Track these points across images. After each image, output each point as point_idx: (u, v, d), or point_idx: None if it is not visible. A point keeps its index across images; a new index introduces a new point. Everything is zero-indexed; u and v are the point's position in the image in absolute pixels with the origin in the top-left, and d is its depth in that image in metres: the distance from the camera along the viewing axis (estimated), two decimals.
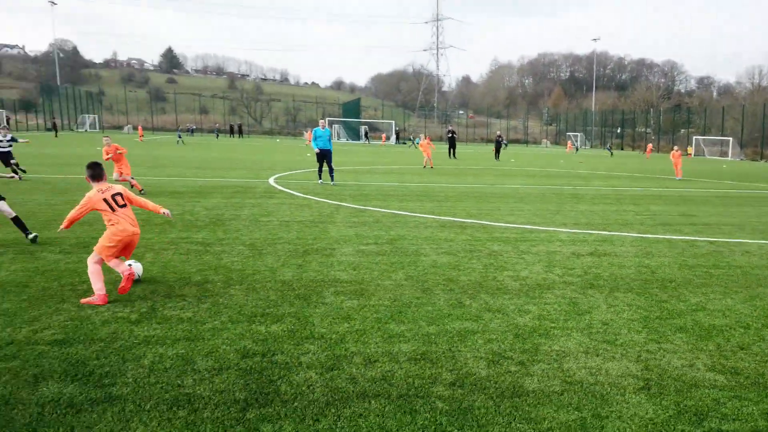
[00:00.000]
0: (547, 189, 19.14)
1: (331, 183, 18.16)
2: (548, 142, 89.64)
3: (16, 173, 16.73)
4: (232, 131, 79.41)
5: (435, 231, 10.31)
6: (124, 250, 6.18)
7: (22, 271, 6.78)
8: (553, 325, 5.49)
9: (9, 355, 4.39)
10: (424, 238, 9.55)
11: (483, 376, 4.28)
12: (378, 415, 3.65)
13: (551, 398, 3.98)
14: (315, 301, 5.96)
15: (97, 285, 5.73)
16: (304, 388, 3.98)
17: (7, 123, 61.27)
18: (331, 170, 18.37)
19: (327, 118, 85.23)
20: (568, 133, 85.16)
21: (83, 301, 5.68)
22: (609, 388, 4.16)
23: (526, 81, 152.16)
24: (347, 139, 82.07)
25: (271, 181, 18.87)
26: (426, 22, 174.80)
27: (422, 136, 30.29)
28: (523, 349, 4.86)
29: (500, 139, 39.63)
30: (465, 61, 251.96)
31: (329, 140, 18.37)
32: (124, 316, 5.34)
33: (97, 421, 3.48)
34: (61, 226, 6.20)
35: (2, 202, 8.02)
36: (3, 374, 4.07)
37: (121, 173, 14.75)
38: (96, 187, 6.13)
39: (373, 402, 3.82)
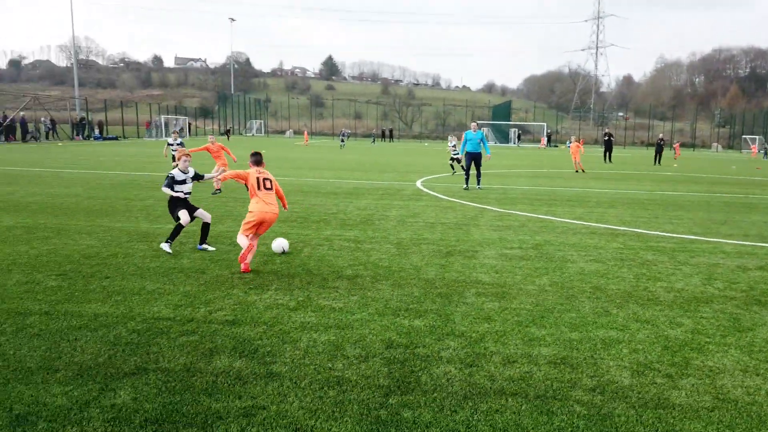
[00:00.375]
0: (713, 197, 17.64)
1: (477, 186, 18.07)
2: (719, 145, 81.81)
3: None
4: (383, 135, 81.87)
5: (584, 237, 10.02)
6: (260, 226, 7.43)
7: (200, 259, 7.70)
8: (708, 340, 5.18)
9: (190, 331, 5.07)
10: (571, 245, 9.33)
11: (626, 385, 4.19)
12: (514, 413, 3.74)
13: (700, 414, 3.81)
14: (456, 301, 6.14)
15: (242, 242, 7.16)
16: (443, 381, 4.18)
17: (189, 128, 68.33)
18: (478, 174, 18.12)
19: (477, 121, 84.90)
20: (744, 137, 77.13)
21: (243, 270, 7.03)
22: None
23: (697, 79, 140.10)
24: (495, 142, 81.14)
25: (419, 183, 19.32)
26: (586, 21, 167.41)
27: (572, 138, 28.98)
28: (672, 362, 4.66)
29: (661, 142, 36.93)
30: (627, 60, 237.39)
31: (480, 143, 17.91)
32: (284, 303, 5.90)
33: (260, 393, 3.94)
34: (223, 176, 7.72)
35: (199, 209, 8.62)
36: (185, 346, 4.72)
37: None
38: (254, 168, 7.63)
39: (510, 400, 3.92)
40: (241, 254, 7.05)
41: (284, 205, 8.08)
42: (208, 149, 16.24)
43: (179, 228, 8.05)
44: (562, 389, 4.10)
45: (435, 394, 3.97)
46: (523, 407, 3.82)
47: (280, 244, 8.21)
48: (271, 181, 7.58)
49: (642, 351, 4.87)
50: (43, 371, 4.20)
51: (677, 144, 48.24)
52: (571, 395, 4.01)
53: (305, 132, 65.14)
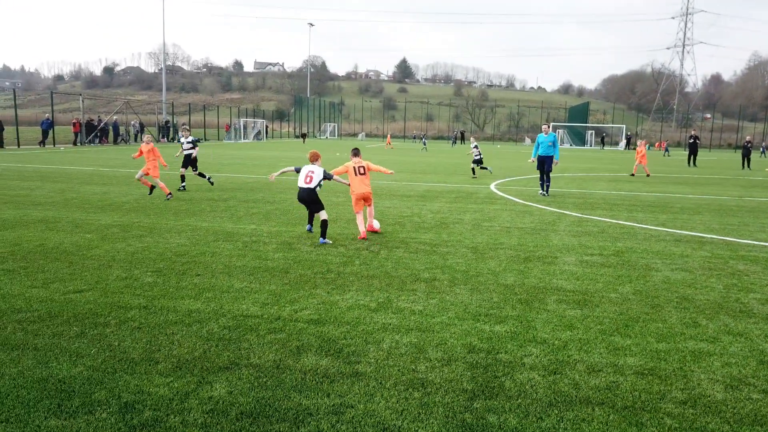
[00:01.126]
0: None
1: (542, 193, 17.02)
2: None
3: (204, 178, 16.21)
4: (455, 138, 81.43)
5: (668, 245, 9.67)
6: (361, 201, 9.76)
7: (283, 259, 7.97)
8: None
9: (277, 329, 5.29)
10: (655, 252, 9.03)
11: (719, 400, 4.05)
12: (602, 423, 3.70)
13: None
14: (537, 307, 6.09)
15: (360, 228, 9.60)
16: (527, 387, 4.18)
17: (266, 131, 70.27)
18: (547, 179, 17.03)
19: (552, 123, 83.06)
20: None
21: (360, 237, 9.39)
22: None
23: None
24: (571, 144, 79.13)
25: (492, 186, 19.15)
26: (673, 18, 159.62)
27: (640, 141, 27.27)
28: None
29: (749, 144, 34.88)
30: (716, 58, 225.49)
31: (552, 146, 16.94)
32: (365, 304, 6.04)
33: (347, 392, 4.07)
34: (335, 171, 9.94)
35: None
36: (274, 344, 4.93)
37: (147, 173, 14.24)
38: (353, 160, 9.90)
39: (596, 409, 3.87)
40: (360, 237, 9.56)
41: (387, 172, 10.41)
42: (141, 151, 14.61)
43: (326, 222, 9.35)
44: (651, 401, 4.01)
45: (519, 400, 3.97)
46: (611, 417, 3.77)
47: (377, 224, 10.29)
48: (364, 168, 9.91)
49: (735, 365, 4.69)
50: (145, 362, 4.50)
51: None
52: (661, 407, 3.92)
53: (388, 136, 65.77)
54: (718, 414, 3.85)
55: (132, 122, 50.97)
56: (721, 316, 5.95)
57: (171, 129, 55.28)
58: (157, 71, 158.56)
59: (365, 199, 9.86)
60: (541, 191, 17.25)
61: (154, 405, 3.82)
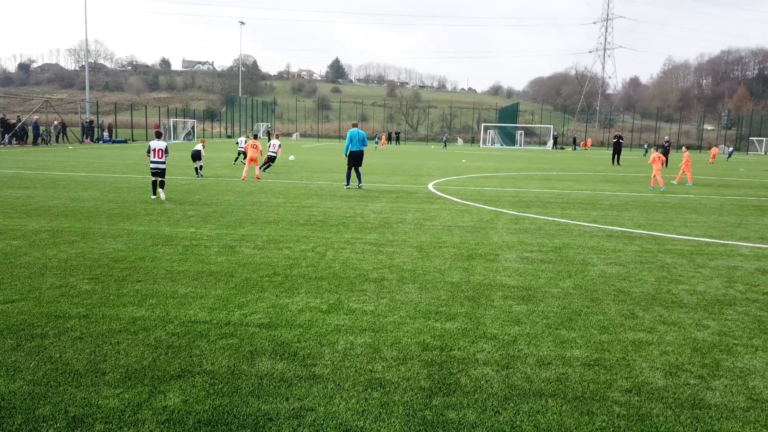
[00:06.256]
0: (725, 200, 17.68)
1: (349, 185, 18.25)
2: (725, 147, 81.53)
3: None
4: (390, 138, 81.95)
5: (601, 240, 10.10)
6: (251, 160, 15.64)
7: (227, 263, 7.82)
8: (735, 341, 5.27)
9: (228, 334, 5.19)
10: (590, 248, 9.42)
11: (660, 386, 4.29)
12: (555, 413, 3.84)
13: (735, 414, 3.90)
14: (484, 304, 6.24)
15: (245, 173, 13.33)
16: (482, 382, 4.28)
17: (195, 131, 68.39)
18: (358, 174, 18.25)
19: (483, 124, 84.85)
20: (751, 138, 76.95)
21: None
22: None
23: (704, 81, 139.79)
24: (501, 144, 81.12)
25: (430, 186, 19.42)
26: (594, 23, 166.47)
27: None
28: (702, 363, 4.75)
29: (667, 144, 36.96)
30: (634, 62, 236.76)
31: (361, 142, 18.04)
32: (316, 306, 6.01)
33: (306, 395, 4.05)
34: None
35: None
36: (226, 349, 4.84)
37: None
38: (251, 142, 10.82)
39: (549, 401, 4.02)
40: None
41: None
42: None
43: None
44: (599, 390, 4.20)
45: (476, 396, 4.07)
46: (564, 408, 3.92)
47: None
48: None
49: (672, 353, 4.97)
50: (91, 374, 4.32)
51: (714, 149, 47.72)
52: (609, 396, 4.11)
53: (383, 136, 64.88)
54: (660, 400, 4.08)
55: (54, 122, 48.57)
56: (656, 307, 6.28)
57: (97, 129, 52.99)
58: (78, 68, 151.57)
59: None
60: (347, 185, 18.23)
61: (104, 418, 3.68)
